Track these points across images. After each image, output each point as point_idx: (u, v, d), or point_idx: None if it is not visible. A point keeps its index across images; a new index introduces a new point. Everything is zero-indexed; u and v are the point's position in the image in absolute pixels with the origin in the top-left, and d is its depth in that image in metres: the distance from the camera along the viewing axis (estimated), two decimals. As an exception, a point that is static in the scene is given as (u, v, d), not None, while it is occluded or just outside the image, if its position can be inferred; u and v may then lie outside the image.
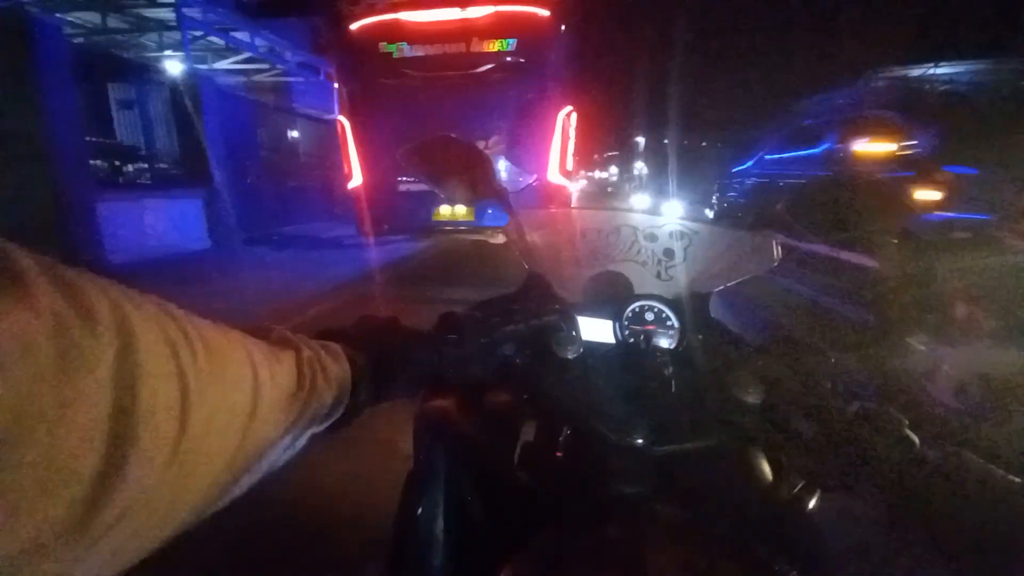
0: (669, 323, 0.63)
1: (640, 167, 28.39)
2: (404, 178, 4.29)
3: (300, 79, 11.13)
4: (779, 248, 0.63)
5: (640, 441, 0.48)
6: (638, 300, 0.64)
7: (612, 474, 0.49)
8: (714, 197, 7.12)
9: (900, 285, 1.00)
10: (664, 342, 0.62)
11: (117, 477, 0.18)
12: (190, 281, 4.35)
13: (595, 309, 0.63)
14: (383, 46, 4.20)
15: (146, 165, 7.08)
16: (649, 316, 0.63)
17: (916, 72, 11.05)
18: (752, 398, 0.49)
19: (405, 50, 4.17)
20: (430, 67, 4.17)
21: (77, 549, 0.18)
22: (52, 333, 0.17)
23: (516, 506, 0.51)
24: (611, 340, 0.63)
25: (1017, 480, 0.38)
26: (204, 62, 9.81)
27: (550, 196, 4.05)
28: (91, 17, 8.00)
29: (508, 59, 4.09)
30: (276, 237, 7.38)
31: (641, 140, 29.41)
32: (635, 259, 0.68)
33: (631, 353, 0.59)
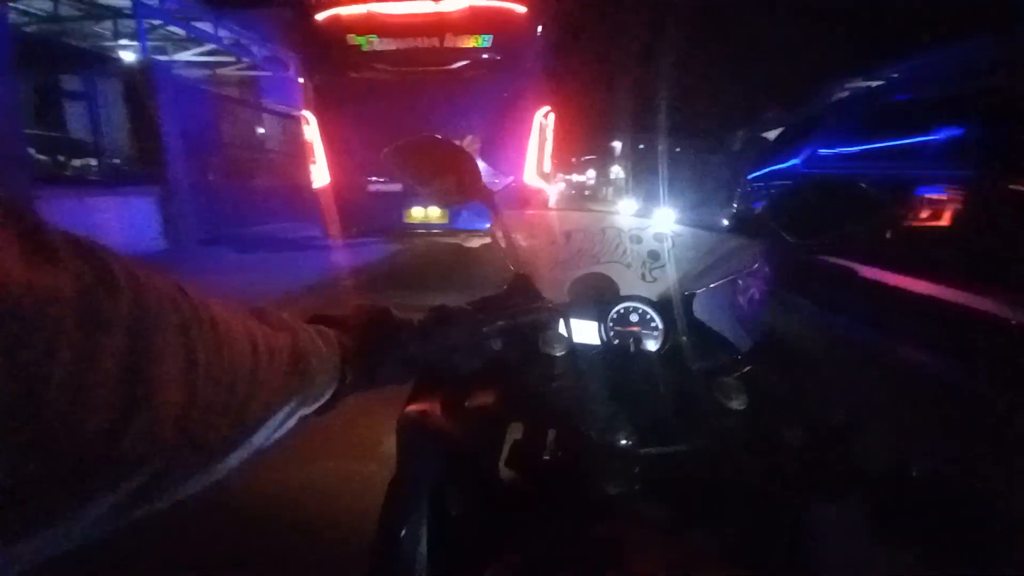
0: (653, 324, 0.63)
1: (617, 171, 28.80)
2: (374, 178, 4.08)
3: (269, 74, 10.69)
4: (759, 251, 0.63)
5: (624, 442, 0.48)
6: (623, 302, 0.64)
7: (597, 475, 0.49)
8: (734, 203, 6.26)
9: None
10: (648, 343, 0.62)
11: (125, 437, 0.20)
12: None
13: (580, 310, 0.62)
14: (351, 38, 3.98)
15: (95, 160, 6.60)
16: (634, 317, 0.63)
17: (879, 82, 11.44)
18: (736, 404, 0.49)
19: (375, 43, 3.96)
20: (401, 62, 3.96)
21: (84, 501, 0.19)
22: (75, 294, 0.18)
23: (500, 508, 0.51)
24: (596, 341, 0.62)
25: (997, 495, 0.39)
26: (164, 53, 9.31)
27: (527, 198, 3.91)
28: (43, 4, 7.46)
29: (484, 56, 3.93)
30: (239, 238, 7.00)
31: (618, 144, 29.83)
32: (620, 261, 0.68)
33: (616, 354, 0.59)
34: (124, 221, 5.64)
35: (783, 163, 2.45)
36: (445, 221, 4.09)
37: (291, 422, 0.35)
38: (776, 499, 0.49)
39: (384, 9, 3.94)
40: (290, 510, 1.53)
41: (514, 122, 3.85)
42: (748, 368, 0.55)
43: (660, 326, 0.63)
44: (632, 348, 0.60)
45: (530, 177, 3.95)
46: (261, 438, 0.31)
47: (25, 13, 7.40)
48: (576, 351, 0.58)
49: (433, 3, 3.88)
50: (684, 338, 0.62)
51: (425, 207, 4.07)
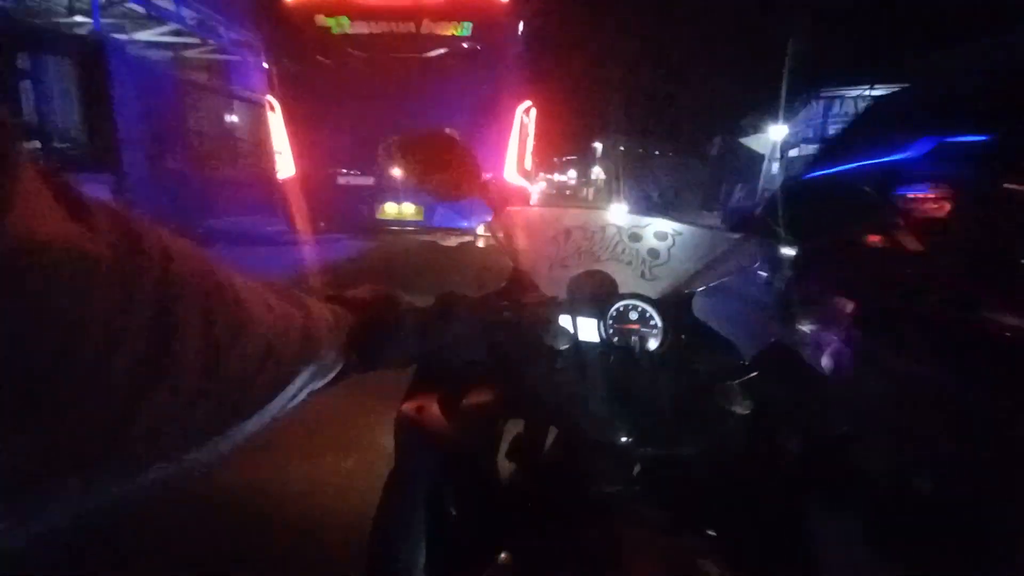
0: (653, 323, 0.63)
1: (598, 172, 29.00)
2: (344, 170, 3.81)
3: (238, 58, 10.14)
4: (758, 250, 0.64)
5: (622, 440, 0.49)
6: (622, 300, 0.64)
7: (594, 474, 0.49)
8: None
9: None
10: (647, 342, 0.62)
11: (150, 399, 0.20)
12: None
13: (579, 308, 0.63)
14: (321, 19, 3.70)
15: (39, 144, 6.06)
16: (633, 316, 0.63)
17: (854, 92, 11.77)
18: (739, 410, 0.49)
19: (346, 26, 3.69)
20: (374, 47, 3.70)
21: (107, 459, 0.20)
22: (111, 255, 0.19)
23: (499, 507, 0.51)
24: (595, 339, 0.62)
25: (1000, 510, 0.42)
26: (122, 31, 8.69)
27: (507, 197, 3.72)
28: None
29: (463, 45, 3.70)
30: (200, 230, 6.55)
31: (599, 146, 30.03)
32: (620, 258, 0.68)
33: (615, 352, 0.59)
34: (69, 210, 5.18)
35: (883, 156, 1.62)
36: (420, 218, 3.86)
37: (302, 395, 0.36)
38: (775, 505, 0.49)
39: (357, -10, 3.68)
40: (291, 508, 1.51)
41: (494, 117, 3.64)
42: (753, 374, 0.54)
43: (659, 325, 0.62)
44: (631, 346, 0.60)
45: (510, 174, 3.75)
46: (275, 408, 0.32)
47: (-31, -14, 6.78)
48: (579, 347, 0.58)
49: (410, -15, 3.65)
50: (683, 337, 0.62)
51: (399, 203, 3.83)
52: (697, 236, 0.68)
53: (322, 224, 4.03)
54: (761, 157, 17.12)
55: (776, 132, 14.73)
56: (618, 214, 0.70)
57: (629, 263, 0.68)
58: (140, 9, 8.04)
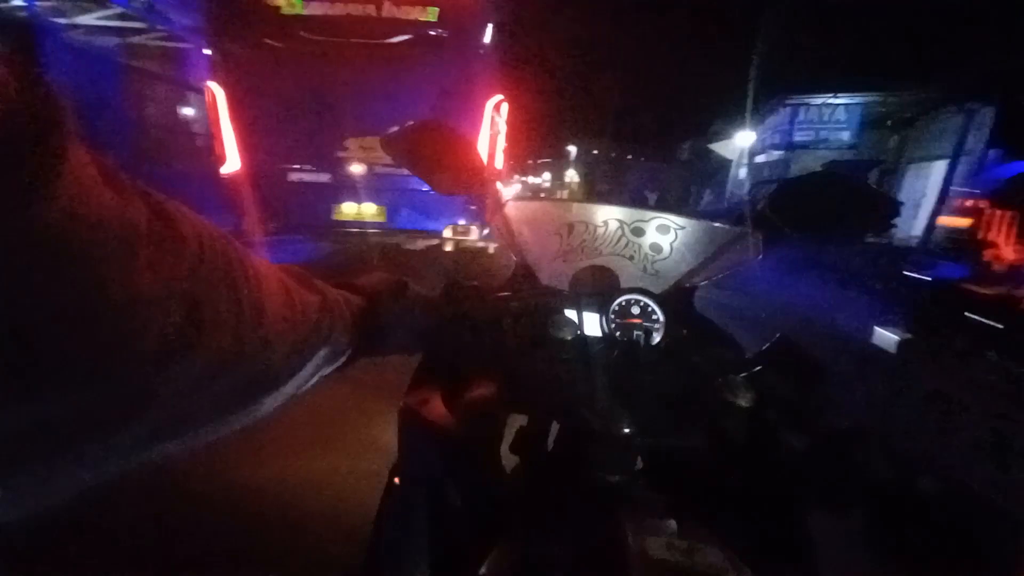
0: (655, 317, 0.62)
1: (572, 174, 29.14)
2: (297, 165, 3.47)
3: (192, 46, 9.49)
4: (762, 243, 0.63)
5: (625, 430, 0.49)
6: (624, 294, 0.63)
7: (597, 464, 0.49)
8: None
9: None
10: (649, 336, 0.61)
11: (176, 368, 0.21)
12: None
13: (582, 302, 0.62)
14: (269, -2, 3.36)
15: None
16: (635, 310, 0.63)
17: (818, 100, 12.09)
18: (743, 403, 0.50)
19: (297, 6, 3.34)
20: (330, 30, 3.36)
21: (129, 421, 0.20)
22: (147, 228, 0.19)
23: (501, 500, 0.51)
24: (598, 333, 0.62)
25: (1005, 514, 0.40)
26: (61, 15, 7.97)
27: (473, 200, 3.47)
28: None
29: (429, 31, 3.42)
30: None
31: (573, 149, 30.19)
32: (622, 253, 0.68)
33: (617, 346, 0.59)
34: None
35: None
36: (382, 219, 3.55)
37: (316, 376, 0.36)
38: (777, 498, 0.49)
39: (310, -34, 3.35)
40: (291, 507, 1.50)
41: (462, 111, 3.37)
42: (758, 368, 0.54)
43: (661, 319, 0.62)
44: (633, 340, 0.60)
45: (480, 173, 3.50)
46: (291, 389, 0.33)
47: None
48: (584, 339, 0.58)
49: (371, -36, 3.35)
50: (685, 331, 0.62)
51: (359, 202, 3.51)
52: (700, 230, 0.67)
53: (272, 225, 3.66)
54: (729, 162, 17.53)
55: (743, 138, 15.06)
56: (621, 209, 0.68)
57: (631, 257, 0.68)
58: (79, -11, 7.38)
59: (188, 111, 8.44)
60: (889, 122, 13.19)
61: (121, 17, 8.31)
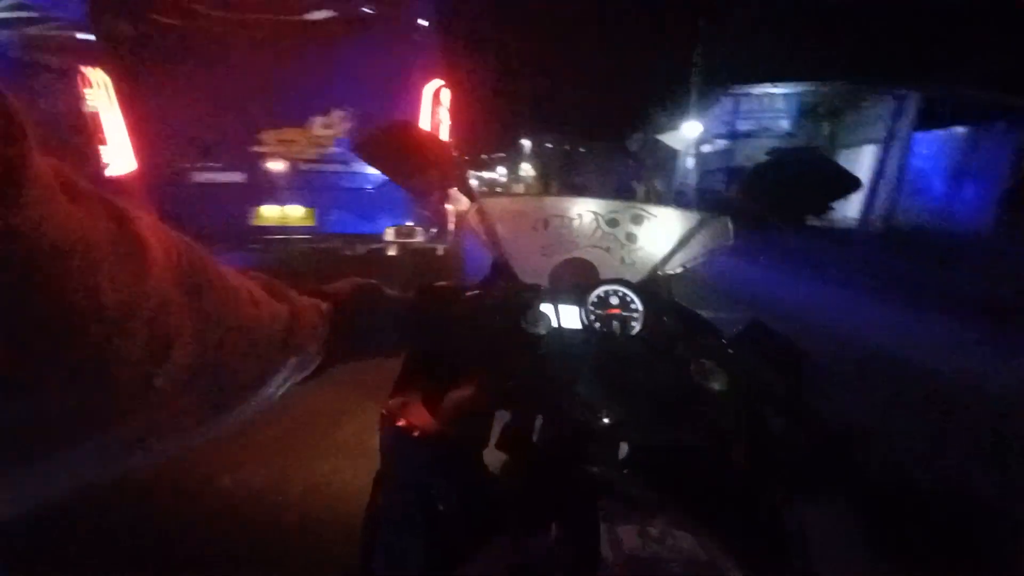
0: (634, 307, 0.62)
1: (527, 168, 29.05)
2: (203, 163, 2.97)
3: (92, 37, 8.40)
4: (732, 227, 0.64)
5: (605, 421, 0.50)
6: (603, 285, 0.63)
7: (580, 455, 0.50)
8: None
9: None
10: (629, 326, 0.61)
11: (150, 381, 0.21)
12: None
13: (561, 296, 0.62)
14: (155, -35, 2.83)
15: None
16: (614, 300, 0.62)
17: (758, 90, 12.51)
18: (715, 386, 0.50)
19: (187, -26, 2.84)
20: (235, 6, 2.88)
21: (101, 431, 0.20)
22: (108, 240, 0.19)
23: (489, 499, 0.51)
24: (578, 326, 0.62)
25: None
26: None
27: (419, 199, 3.11)
28: None
29: (356, 7, 3.01)
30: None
31: (527, 143, 30.07)
32: (598, 244, 0.68)
33: (597, 338, 0.59)
34: None
35: None
36: (311, 223, 3.11)
37: (286, 386, 0.36)
38: (760, 487, 0.49)
39: (206, -71, 2.84)
40: (290, 510, 1.49)
41: (396, 98, 2.99)
42: (731, 352, 0.55)
43: (640, 308, 0.61)
44: (612, 331, 0.60)
45: (421, 167, 3.14)
46: (262, 396, 0.32)
47: None
48: (560, 333, 0.58)
49: (281, -73, 2.88)
50: (666, 320, 0.61)
51: (282, 204, 3.06)
52: (672, 218, 0.68)
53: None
54: (677, 153, 17.93)
55: (690, 128, 15.41)
56: (595, 201, 0.69)
57: (608, 249, 0.69)
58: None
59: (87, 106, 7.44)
60: (822, 110, 13.88)
61: (15, 7, 7.21)
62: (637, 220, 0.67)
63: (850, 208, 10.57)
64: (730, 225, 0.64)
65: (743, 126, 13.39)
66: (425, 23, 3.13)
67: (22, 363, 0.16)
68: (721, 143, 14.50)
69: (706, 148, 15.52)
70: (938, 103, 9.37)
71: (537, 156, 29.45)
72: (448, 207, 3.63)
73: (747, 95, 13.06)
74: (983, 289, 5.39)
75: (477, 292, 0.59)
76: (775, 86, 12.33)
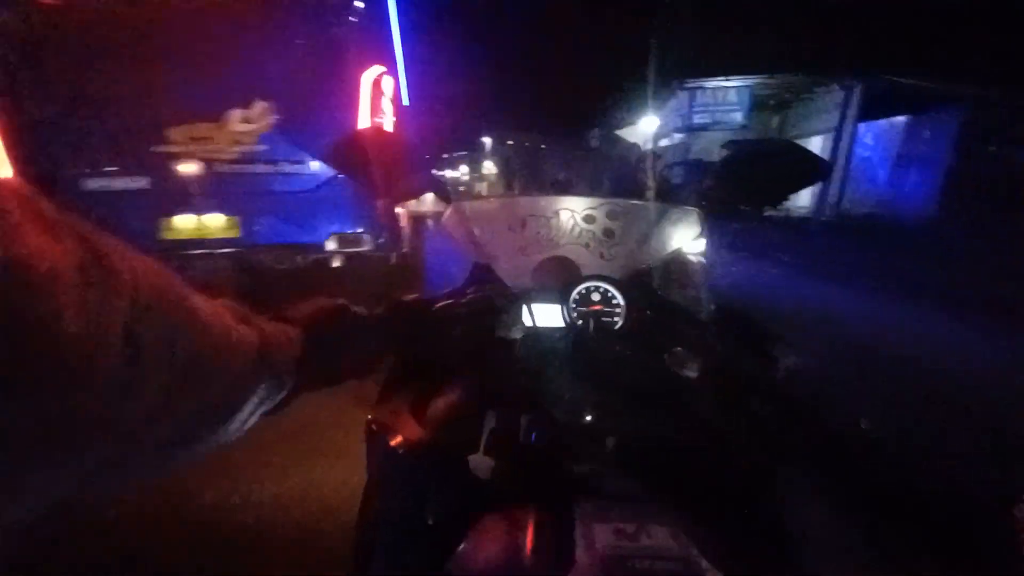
0: (615, 302, 0.63)
1: (489, 166, 28.72)
2: (99, 168, 2.48)
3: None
4: (704, 219, 0.66)
5: (588, 419, 0.51)
6: (584, 282, 0.64)
7: (565, 455, 0.51)
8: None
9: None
10: (611, 321, 0.62)
11: (121, 408, 0.21)
12: None
13: (544, 294, 0.63)
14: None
15: None
16: (596, 296, 0.63)
17: (712, 83, 12.73)
18: (690, 373, 0.52)
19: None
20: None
21: (72, 456, 0.20)
22: (78, 269, 0.19)
23: (478, 503, 0.50)
24: (561, 324, 0.62)
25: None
26: None
27: (362, 200, 2.74)
28: None
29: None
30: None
31: (488, 140, 29.73)
32: (578, 242, 0.69)
33: (579, 334, 0.60)
34: None
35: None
36: (235, 234, 2.67)
37: (256, 415, 0.35)
38: (740, 465, 0.50)
39: None
40: (287, 515, 1.50)
41: (329, 86, 2.61)
42: (701, 338, 0.56)
43: (622, 303, 0.62)
44: (592, 327, 0.60)
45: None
46: (228, 431, 0.32)
47: None
48: (536, 334, 0.59)
49: None
50: (649, 313, 0.62)
51: (198, 213, 2.61)
52: (646, 212, 0.69)
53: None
54: (636, 147, 18.09)
55: (648, 123, 15.53)
56: (570, 198, 0.69)
57: (587, 245, 0.69)
58: None
59: None
60: (772, 103, 14.30)
61: None
62: (612, 215, 0.67)
63: (800, 198, 10.89)
64: (703, 216, 0.65)
65: (699, 119, 13.58)
66: (361, 3, 2.75)
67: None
68: (678, 137, 14.68)
69: (664, 142, 15.69)
70: (881, 94, 9.75)
71: (499, 153, 29.16)
72: (399, 210, 3.26)
73: (701, 88, 13.24)
74: (925, 271, 5.61)
75: (449, 302, 0.58)
76: (728, 80, 12.55)
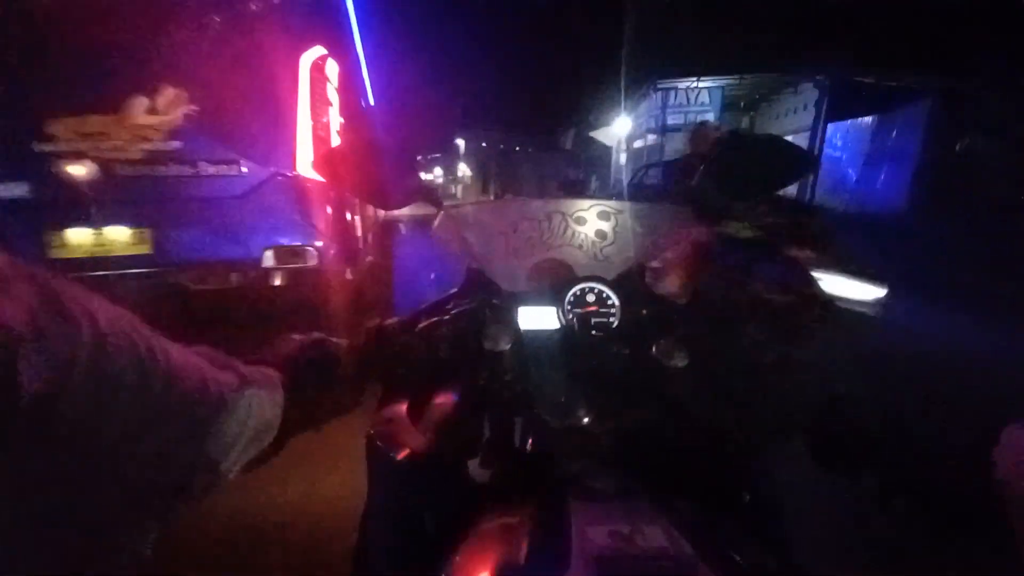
0: (610, 302, 0.63)
1: (464, 168, 28.29)
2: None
3: None
4: (693, 217, 0.67)
5: (584, 420, 0.52)
6: (578, 283, 0.64)
7: (560, 455, 0.51)
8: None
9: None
10: (605, 321, 0.62)
11: (88, 459, 0.21)
12: None
13: (539, 297, 0.63)
14: None
15: None
16: (590, 297, 0.64)
17: (684, 84, 12.71)
18: (677, 362, 0.53)
19: None
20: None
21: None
22: (29, 323, 0.19)
23: (476, 510, 0.51)
24: (556, 326, 0.62)
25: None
26: None
27: (305, 204, 2.32)
28: None
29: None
30: None
31: (462, 142, 29.30)
32: (570, 243, 0.69)
33: (574, 336, 0.60)
34: None
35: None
36: (147, 250, 2.20)
37: (243, 461, 0.34)
38: (729, 454, 0.52)
39: None
40: (286, 521, 1.51)
41: (259, 70, 2.18)
42: (683, 328, 0.57)
43: (616, 303, 0.63)
44: (586, 328, 0.61)
45: (305, 166, 2.34)
46: (218, 474, 0.31)
47: None
48: (525, 342, 0.58)
49: None
50: (644, 312, 0.62)
51: (97, 226, 2.14)
52: (637, 212, 0.69)
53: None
54: (610, 149, 18.04)
55: (621, 125, 15.45)
56: (560, 201, 0.70)
57: (580, 247, 0.69)
58: None
59: None
60: (742, 104, 14.44)
61: None
62: (604, 216, 0.68)
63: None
64: (693, 215, 0.67)
65: (672, 120, 13.57)
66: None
67: None
68: (652, 138, 14.65)
69: (638, 144, 15.65)
70: (849, 93, 9.86)
71: (473, 155, 28.76)
72: (355, 218, 2.84)
73: (674, 89, 13.22)
74: (897, 267, 5.59)
75: (433, 320, 0.57)
76: (700, 80, 12.55)
